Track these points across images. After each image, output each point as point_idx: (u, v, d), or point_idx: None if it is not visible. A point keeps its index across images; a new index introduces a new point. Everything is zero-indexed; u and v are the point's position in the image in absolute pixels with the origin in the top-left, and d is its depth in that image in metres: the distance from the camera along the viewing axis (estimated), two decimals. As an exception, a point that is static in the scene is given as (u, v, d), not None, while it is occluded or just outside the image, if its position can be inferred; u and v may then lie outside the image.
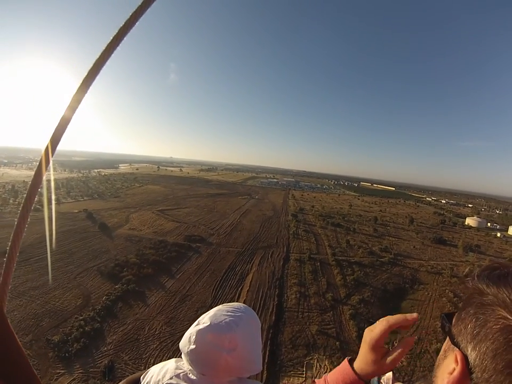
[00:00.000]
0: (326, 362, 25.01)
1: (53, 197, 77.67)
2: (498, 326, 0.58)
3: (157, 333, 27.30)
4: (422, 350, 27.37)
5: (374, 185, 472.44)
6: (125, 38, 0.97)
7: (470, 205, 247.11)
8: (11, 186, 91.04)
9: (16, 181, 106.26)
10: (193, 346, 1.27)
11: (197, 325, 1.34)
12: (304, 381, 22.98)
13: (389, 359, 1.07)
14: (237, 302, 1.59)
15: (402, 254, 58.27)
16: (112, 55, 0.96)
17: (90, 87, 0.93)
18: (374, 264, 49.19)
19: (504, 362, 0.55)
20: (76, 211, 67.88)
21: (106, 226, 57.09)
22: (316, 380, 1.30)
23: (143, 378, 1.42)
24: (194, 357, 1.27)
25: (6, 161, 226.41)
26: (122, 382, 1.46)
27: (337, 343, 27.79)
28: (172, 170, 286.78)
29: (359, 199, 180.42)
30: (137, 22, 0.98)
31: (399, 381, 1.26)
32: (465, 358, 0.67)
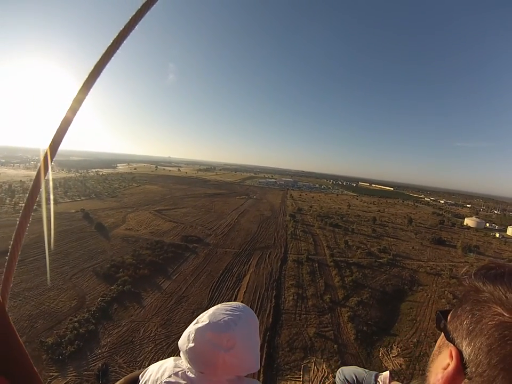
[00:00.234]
0: (324, 366, 24.62)
1: (51, 197, 77.25)
2: (494, 322, 0.59)
3: (152, 335, 26.89)
4: (421, 353, 27.06)
5: (373, 185, 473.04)
6: (125, 41, 0.98)
7: (468, 205, 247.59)
8: (8, 186, 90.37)
9: (14, 181, 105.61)
10: (192, 345, 1.27)
11: (195, 323, 1.35)
12: (302, 385, 22.66)
13: None
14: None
15: (401, 254, 58.01)
16: (113, 57, 0.98)
17: (91, 89, 0.95)
18: (372, 265, 48.88)
19: (498, 357, 0.56)
20: (73, 211, 67.44)
21: (103, 227, 56.65)
22: None
23: (141, 376, 1.43)
24: (193, 355, 1.28)
25: (3, 160, 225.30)
26: (120, 380, 1.50)
27: (335, 346, 27.37)
28: (169, 170, 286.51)
29: (357, 199, 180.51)
30: (138, 25, 1.00)
31: (395, 380, 1.20)
32: (459, 353, 0.67)
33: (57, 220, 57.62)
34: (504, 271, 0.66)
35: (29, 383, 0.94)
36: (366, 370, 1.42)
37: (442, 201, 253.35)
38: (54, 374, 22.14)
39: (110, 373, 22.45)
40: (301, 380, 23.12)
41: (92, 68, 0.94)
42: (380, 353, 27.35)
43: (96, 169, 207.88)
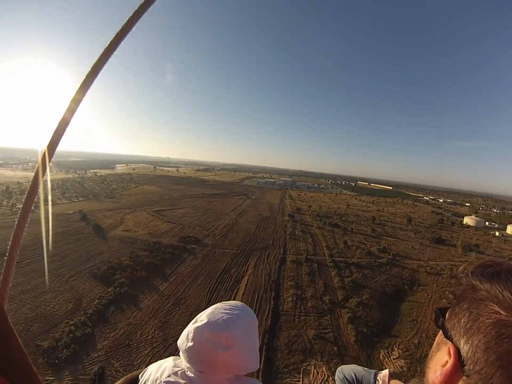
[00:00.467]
0: (324, 369, 24.25)
1: (49, 198, 76.79)
2: (491, 320, 0.61)
3: (149, 338, 26.59)
4: (423, 355, 26.73)
5: (372, 184, 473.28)
6: (122, 42, 0.98)
7: (467, 204, 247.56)
8: (5, 188, 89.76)
9: (11, 182, 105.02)
10: (191, 344, 1.28)
11: (194, 322, 1.36)
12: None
13: None
14: None
15: (401, 254, 57.71)
16: (111, 57, 0.98)
17: (89, 89, 0.95)
18: (372, 265, 48.54)
19: (495, 355, 0.57)
20: (71, 212, 67.10)
21: (100, 228, 56.28)
22: None
23: (141, 376, 1.44)
24: (192, 355, 1.28)
25: (1, 162, 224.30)
26: (120, 380, 1.49)
27: (335, 348, 27.03)
28: (168, 171, 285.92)
29: (356, 198, 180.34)
30: (136, 24, 1.00)
31: (395, 379, 1.21)
32: (457, 351, 0.69)
33: (55, 221, 57.03)
34: (501, 269, 0.68)
35: (28, 383, 0.95)
36: (366, 369, 1.39)
37: (442, 200, 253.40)
38: (49, 378, 21.90)
39: (106, 377, 22.10)
40: (301, 383, 22.80)
41: (90, 68, 0.93)
42: (381, 355, 27.00)
43: (94, 170, 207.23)
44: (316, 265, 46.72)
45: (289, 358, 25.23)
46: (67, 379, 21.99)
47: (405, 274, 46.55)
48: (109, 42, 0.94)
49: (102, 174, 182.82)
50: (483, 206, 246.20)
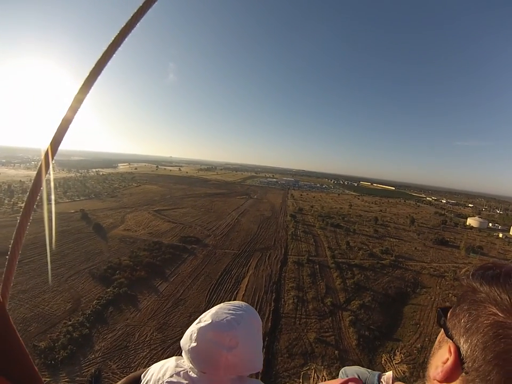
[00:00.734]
0: (324, 373, 23.77)
1: (53, 197, 76.81)
2: (489, 321, 0.65)
3: (147, 339, 26.23)
4: (426, 359, 26.11)
5: (374, 184, 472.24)
6: (125, 40, 0.99)
7: (470, 205, 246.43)
8: (7, 186, 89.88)
9: (13, 181, 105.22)
10: (194, 344, 1.27)
11: (198, 322, 1.35)
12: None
13: None
14: None
15: (404, 256, 57.15)
16: (113, 56, 0.99)
17: (92, 88, 0.96)
18: (374, 267, 48.04)
19: (492, 354, 0.61)
20: (72, 211, 66.96)
21: (101, 227, 56.08)
22: None
23: (143, 376, 1.41)
24: (195, 355, 1.27)
25: (4, 161, 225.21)
26: (123, 380, 1.47)
27: (336, 351, 26.56)
28: (170, 170, 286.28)
29: (359, 198, 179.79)
30: (139, 23, 1.00)
31: (399, 381, 1.20)
32: (457, 349, 0.72)
33: (55, 220, 57.09)
34: (501, 272, 0.70)
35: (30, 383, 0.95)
36: (369, 370, 1.35)
37: (444, 201, 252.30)
38: (46, 379, 21.63)
39: (103, 379, 21.80)
40: (301, 387, 22.39)
41: (92, 66, 0.94)
42: (383, 359, 26.52)
43: (96, 169, 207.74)
44: (317, 266, 46.30)
45: (289, 362, 24.80)
46: (63, 380, 21.68)
47: (408, 276, 46.00)
48: (111, 41, 0.95)
49: (104, 173, 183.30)
50: (486, 207, 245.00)
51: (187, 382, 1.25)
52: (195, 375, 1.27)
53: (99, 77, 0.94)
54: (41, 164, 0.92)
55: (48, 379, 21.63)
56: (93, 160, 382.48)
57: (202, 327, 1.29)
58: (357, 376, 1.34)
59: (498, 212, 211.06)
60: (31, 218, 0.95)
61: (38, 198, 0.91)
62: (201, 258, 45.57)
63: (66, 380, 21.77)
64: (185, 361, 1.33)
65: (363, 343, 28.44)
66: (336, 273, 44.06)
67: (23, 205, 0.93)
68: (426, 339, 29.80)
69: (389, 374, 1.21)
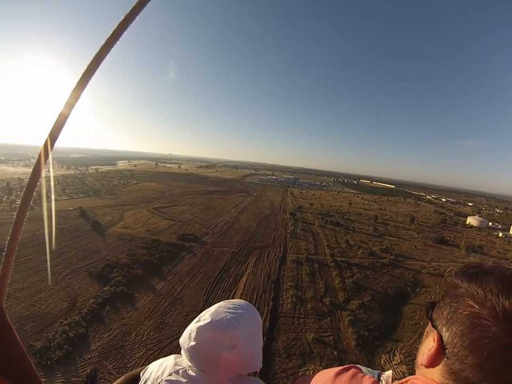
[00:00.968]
0: (323, 374, 23.56)
1: (53, 197, 76.64)
2: (466, 312, 0.76)
3: (143, 339, 26.05)
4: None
5: (374, 182, 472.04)
6: (124, 33, 0.99)
7: (470, 204, 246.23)
8: (6, 184, 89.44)
9: (12, 178, 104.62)
10: (193, 343, 1.26)
11: (197, 321, 1.34)
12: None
13: None
14: None
15: (404, 254, 56.84)
16: (112, 50, 0.99)
17: (90, 84, 0.96)
18: (374, 266, 47.73)
19: (469, 341, 0.72)
20: (71, 209, 66.68)
21: (99, 225, 55.84)
22: None
23: (142, 374, 1.41)
24: (194, 354, 1.27)
25: (3, 158, 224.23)
26: (122, 377, 1.47)
27: (334, 352, 26.38)
28: (170, 167, 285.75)
29: (358, 196, 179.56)
30: (138, 17, 1.00)
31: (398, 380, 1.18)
32: (440, 337, 0.83)
33: (54, 218, 56.74)
34: (479, 271, 0.82)
35: (29, 383, 0.95)
36: (369, 369, 1.30)
37: (444, 200, 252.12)
38: (41, 379, 21.28)
39: (99, 380, 21.61)
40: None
41: (90, 60, 0.94)
42: (382, 360, 26.36)
43: (96, 166, 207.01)
44: (316, 265, 46.02)
45: (287, 363, 24.61)
46: (59, 381, 21.51)
47: (408, 276, 45.77)
48: (108, 36, 0.95)
49: (103, 170, 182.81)
50: (486, 206, 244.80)
51: (186, 380, 1.24)
52: (194, 374, 1.25)
53: (97, 73, 0.93)
54: (37, 160, 0.92)
55: (43, 379, 20.59)
56: (92, 157, 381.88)
57: (201, 326, 1.27)
58: None
59: (498, 211, 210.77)
60: (27, 214, 0.94)
61: (37, 195, 0.88)
62: (199, 257, 45.32)
63: (61, 380, 21.56)
64: (184, 360, 1.32)
65: (362, 344, 28.22)
66: (335, 272, 43.77)
67: (19, 200, 0.92)
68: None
69: (388, 373, 1.19)
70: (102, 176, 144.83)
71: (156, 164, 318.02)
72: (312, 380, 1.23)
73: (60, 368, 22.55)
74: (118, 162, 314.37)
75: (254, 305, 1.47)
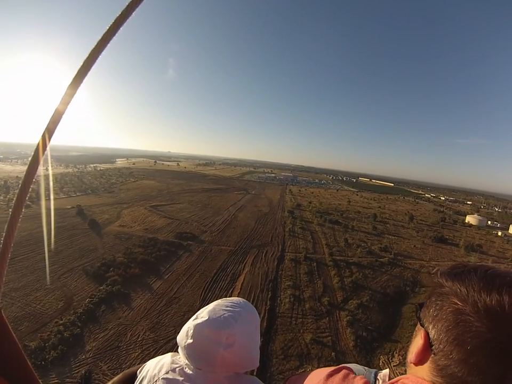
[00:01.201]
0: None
1: (52, 196, 76.25)
2: (451, 309, 0.80)
3: (139, 339, 25.79)
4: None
5: (373, 180, 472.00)
6: (121, 29, 0.98)
7: (469, 202, 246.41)
8: (3, 182, 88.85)
9: (10, 177, 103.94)
10: (191, 341, 1.26)
11: (195, 319, 1.33)
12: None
13: None
14: None
15: (403, 253, 56.65)
16: (109, 46, 0.98)
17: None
18: (373, 265, 47.48)
19: (453, 336, 0.76)
20: (68, 207, 66.08)
21: (96, 223, 55.47)
22: None
23: (139, 372, 1.41)
24: (191, 352, 1.26)
25: (1, 156, 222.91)
26: (119, 375, 1.49)
27: (332, 353, 26.09)
28: (168, 165, 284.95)
29: (357, 195, 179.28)
30: (134, 12, 0.99)
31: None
32: (427, 334, 0.87)
33: (51, 216, 56.37)
34: (463, 271, 0.86)
35: (26, 383, 0.95)
36: (366, 368, 1.37)
37: (443, 198, 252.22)
38: (35, 381, 21.05)
39: (93, 381, 21.37)
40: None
41: (86, 57, 0.93)
42: (381, 361, 26.04)
43: (94, 165, 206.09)
44: (315, 264, 45.74)
45: (284, 364, 24.34)
46: (53, 382, 21.24)
47: (407, 275, 45.55)
48: (105, 31, 0.94)
49: (101, 168, 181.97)
50: (484, 205, 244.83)
51: (182, 378, 1.23)
52: (191, 372, 1.25)
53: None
54: (33, 157, 0.91)
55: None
56: (91, 155, 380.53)
57: (199, 323, 1.27)
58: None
59: (496, 209, 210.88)
60: (23, 211, 0.94)
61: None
62: (197, 255, 45.03)
63: (56, 381, 21.31)
64: (181, 358, 1.32)
65: (360, 345, 27.96)
66: (333, 271, 43.50)
67: (14, 197, 0.92)
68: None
69: (385, 372, 1.22)
70: (100, 174, 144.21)
71: (155, 161, 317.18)
72: (305, 380, 1.20)
73: (54, 369, 22.27)
74: (117, 160, 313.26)
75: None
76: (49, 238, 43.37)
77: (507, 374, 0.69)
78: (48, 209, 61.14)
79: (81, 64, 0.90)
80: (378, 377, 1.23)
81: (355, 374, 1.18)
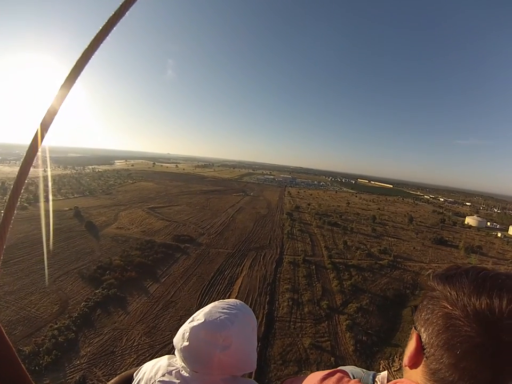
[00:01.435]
0: (319, 381, 22.87)
1: (50, 197, 75.76)
2: (441, 313, 0.80)
3: (135, 344, 25.41)
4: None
5: (372, 182, 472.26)
6: (114, 28, 0.96)
7: (468, 203, 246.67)
8: (1, 184, 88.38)
9: (7, 178, 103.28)
10: (187, 343, 1.25)
11: (191, 321, 1.32)
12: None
13: None
14: None
15: (402, 255, 56.37)
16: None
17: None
18: (372, 268, 47.18)
19: (443, 340, 0.76)
20: (65, 209, 65.71)
21: (93, 225, 55.09)
22: None
23: (135, 375, 1.41)
24: (187, 354, 1.26)
25: (0, 158, 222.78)
26: (115, 378, 1.47)
27: (332, 358, 25.69)
28: (167, 167, 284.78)
29: (356, 196, 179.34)
30: (128, 12, 0.98)
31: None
32: (419, 338, 0.87)
33: (48, 218, 55.99)
34: (454, 274, 0.86)
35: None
36: (364, 370, 1.34)
37: (442, 199, 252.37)
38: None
39: (88, 387, 20.85)
40: (294, 397, 21.39)
41: (79, 56, 0.91)
42: (381, 366, 25.72)
43: (93, 166, 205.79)
44: (313, 267, 45.40)
45: (282, 369, 23.96)
46: (47, 387, 20.71)
47: (407, 277, 45.25)
48: (100, 28, 0.93)
49: (100, 170, 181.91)
50: (484, 206, 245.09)
51: (179, 381, 1.23)
52: (187, 374, 1.24)
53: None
54: (25, 157, 0.90)
55: None
56: (90, 157, 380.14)
57: (195, 326, 1.25)
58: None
59: (496, 210, 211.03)
60: (15, 212, 0.92)
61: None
62: (194, 258, 44.64)
63: (49, 387, 20.75)
64: (177, 360, 1.30)
65: (360, 349, 27.62)
66: (332, 274, 43.14)
67: (6, 199, 0.90)
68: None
69: (383, 374, 1.19)
70: (98, 175, 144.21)
71: (153, 163, 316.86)
72: (302, 383, 1.18)
73: (48, 374, 21.95)
74: (115, 161, 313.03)
75: (249, 308, 1.38)
76: (45, 240, 43.02)
77: (498, 379, 0.69)
78: (45, 211, 60.74)
79: (74, 63, 0.88)
80: (376, 379, 1.19)
81: (352, 377, 1.20)
